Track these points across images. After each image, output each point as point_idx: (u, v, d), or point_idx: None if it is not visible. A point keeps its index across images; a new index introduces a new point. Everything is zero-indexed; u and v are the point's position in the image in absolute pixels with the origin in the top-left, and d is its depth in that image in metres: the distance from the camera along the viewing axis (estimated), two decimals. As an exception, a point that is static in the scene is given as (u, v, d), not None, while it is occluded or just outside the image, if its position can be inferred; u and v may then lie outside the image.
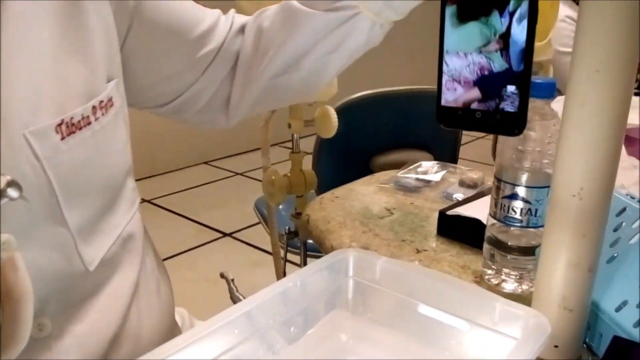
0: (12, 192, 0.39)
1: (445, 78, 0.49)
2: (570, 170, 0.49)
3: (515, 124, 0.47)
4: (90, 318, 0.57)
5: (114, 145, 0.59)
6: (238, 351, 0.48)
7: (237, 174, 3.64)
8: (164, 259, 2.52)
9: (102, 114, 0.55)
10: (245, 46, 0.70)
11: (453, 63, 0.48)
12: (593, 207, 0.48)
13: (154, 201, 3.22)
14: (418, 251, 0.80)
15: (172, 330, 0.70)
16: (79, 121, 0.52)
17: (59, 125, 0.50)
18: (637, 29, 0.45)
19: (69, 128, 0.51)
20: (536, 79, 0.63)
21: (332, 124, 1.10)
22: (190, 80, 0.69)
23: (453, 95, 0.49)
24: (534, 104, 0.63)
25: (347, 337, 0.55)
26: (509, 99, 0.47)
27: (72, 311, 0.56)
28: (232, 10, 0.73)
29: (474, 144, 4.20)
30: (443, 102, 0.50)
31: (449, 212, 0.82)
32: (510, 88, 0.47)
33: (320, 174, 1.40)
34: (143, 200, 3.24)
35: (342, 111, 1.41)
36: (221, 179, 3.56)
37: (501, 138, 0.66)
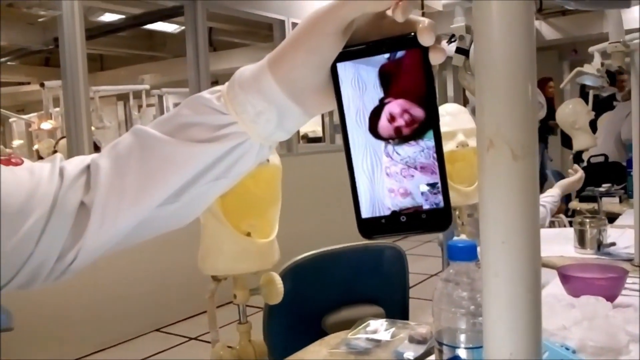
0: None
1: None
2: (498, 336, 0.50)
3: (443, 219, 0.48)
4: None
5: None
6: None
7: (191, 338, 3.50)
8: None
9: None
10: (97, 190, 0.60)
11: (405, 152, 0.48)
12: (525, 372, 0.49)
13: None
14: (372, 422, 0.78)
15: None
16: None
17: None
18: (537, 200, 0.49)
19: None
20: (458, 242, 0.66)
21: (277, 291, 1.10)
22: (24, 257, 0.59)
23: (376, 203, 0.48)
24: (460, 266, 0.66)
25: None
26: (431, 196, 0.48)
27: None
28: (59, 157, 0.63)
29: (423, 284, 4.23)
30: (364, 215, 0.49)
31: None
32: (431, 185, 0.48)
33: (271, 339, 1.37)
34: (91, 379, 3.05)
35: (289, 273, 1.42)
36: (174, 346, 3.41)
37: (435, 303, 0.68)
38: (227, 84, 0.55)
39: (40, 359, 3.13)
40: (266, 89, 0.51)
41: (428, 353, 0.93)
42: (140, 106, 6.94)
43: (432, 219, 0.48)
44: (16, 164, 0.60)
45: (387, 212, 0.48)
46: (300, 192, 4.50)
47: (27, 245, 0.59)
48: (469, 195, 1.83)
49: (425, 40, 0.47)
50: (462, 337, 0.65)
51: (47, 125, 5.94)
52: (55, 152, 5.11)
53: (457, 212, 1.98)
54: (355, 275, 1.59)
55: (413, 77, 0.47)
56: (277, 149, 1.27)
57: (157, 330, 3.70)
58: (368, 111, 0.48)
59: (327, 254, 1.54)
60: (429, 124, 0.47)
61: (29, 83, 9.80)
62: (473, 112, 2.03)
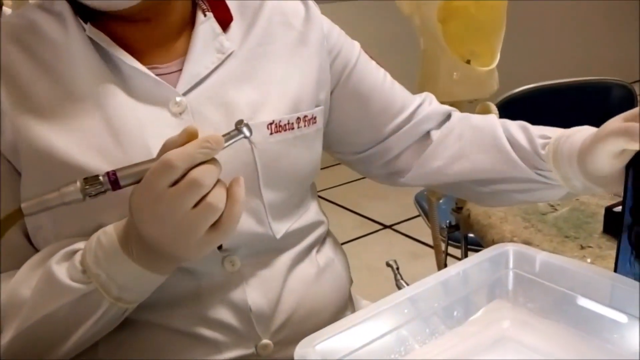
0: (246, 131, 0.55)
1: None
2: None
3: None
4: (275, 267, 0.70)
5: (308, 152, 0.73)
6: (404, 331, 0.53)
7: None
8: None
9: (305, 126, 0.71)
10: (442, 139, 0.79)
11: None
12: None
13: (319, 194, 3.38)
14: (582, 247, 0.80)
15: (346, 305, 0.79)
16: (284, 125, 0.69)
17: (270, 124, 0.67)
18: None
19: (277, 127, 0.68)
20: None
21: (493, 120, 1.10)
22: (378, 139, 0.80)
23: None
24: None
25: (509, 324, 0.58)
26: None
27: (258, 259, 0.69)
28: (426, 94, 0.84)
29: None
30: None
31: (617, 209, 0.80)
32: None
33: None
34: (308, 193, 3.43)
35: (502, 107, 1.40)
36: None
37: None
38: (554, 137, 0.68)
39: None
40: (576, 171, 0.64)
41: None
42: None
43: None
44: None
45: None
46: (522, 22, 4.17)
47: (384, 132, 0.80)
48: None
49: None
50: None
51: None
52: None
53: None
54: (576, 114, 1.50)
55: None
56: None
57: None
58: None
59: (546, 88, 1.47)
60: None
61: None
62: None
